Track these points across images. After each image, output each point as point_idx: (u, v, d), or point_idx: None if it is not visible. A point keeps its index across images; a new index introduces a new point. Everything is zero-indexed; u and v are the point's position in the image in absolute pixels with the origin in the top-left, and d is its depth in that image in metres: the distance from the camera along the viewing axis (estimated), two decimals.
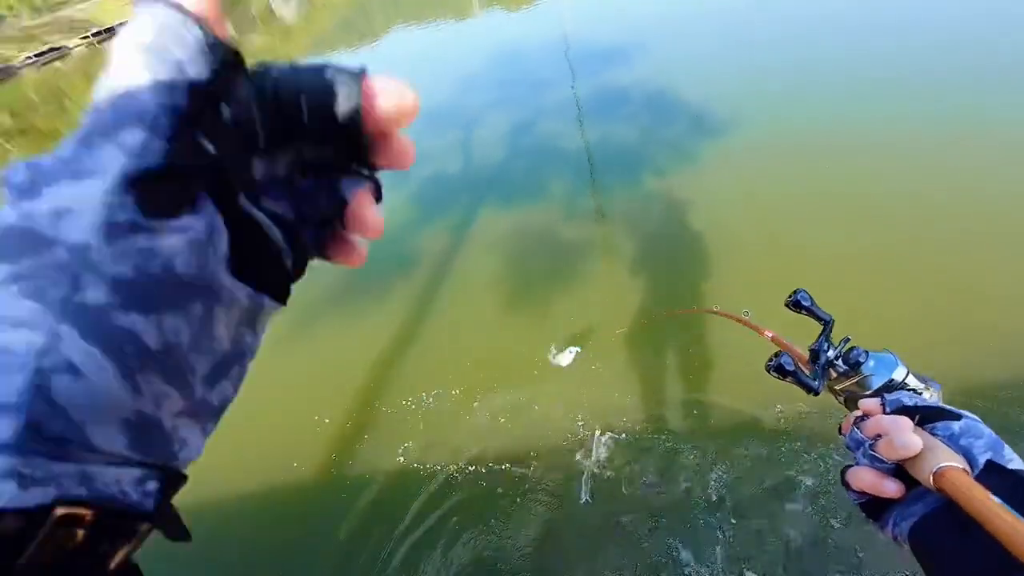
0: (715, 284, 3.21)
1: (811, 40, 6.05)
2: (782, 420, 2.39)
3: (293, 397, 3.27)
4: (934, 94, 4.38)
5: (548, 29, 9.08)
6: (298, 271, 0.26)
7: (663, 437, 2.48)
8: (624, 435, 2.51)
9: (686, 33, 7.33)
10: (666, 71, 6.12)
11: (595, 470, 2.40)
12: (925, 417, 0.46)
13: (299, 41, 16.29)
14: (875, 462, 0.46)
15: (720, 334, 2.82)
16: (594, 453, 2.43)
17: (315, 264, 0.29)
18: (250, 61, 0.22)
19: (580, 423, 2.62)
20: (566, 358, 2.79)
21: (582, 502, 2.31)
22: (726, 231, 3.55)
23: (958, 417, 0.46)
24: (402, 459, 2.70)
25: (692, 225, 3.71)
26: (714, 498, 2.20)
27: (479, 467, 2.55)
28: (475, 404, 2.86)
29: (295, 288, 0.27)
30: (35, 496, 0.17)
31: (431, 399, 2.96)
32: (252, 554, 2.53)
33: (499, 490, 2.44)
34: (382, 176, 0.28)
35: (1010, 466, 0.42)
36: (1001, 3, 5.47)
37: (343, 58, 11.65)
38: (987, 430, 0.44)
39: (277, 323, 0.26)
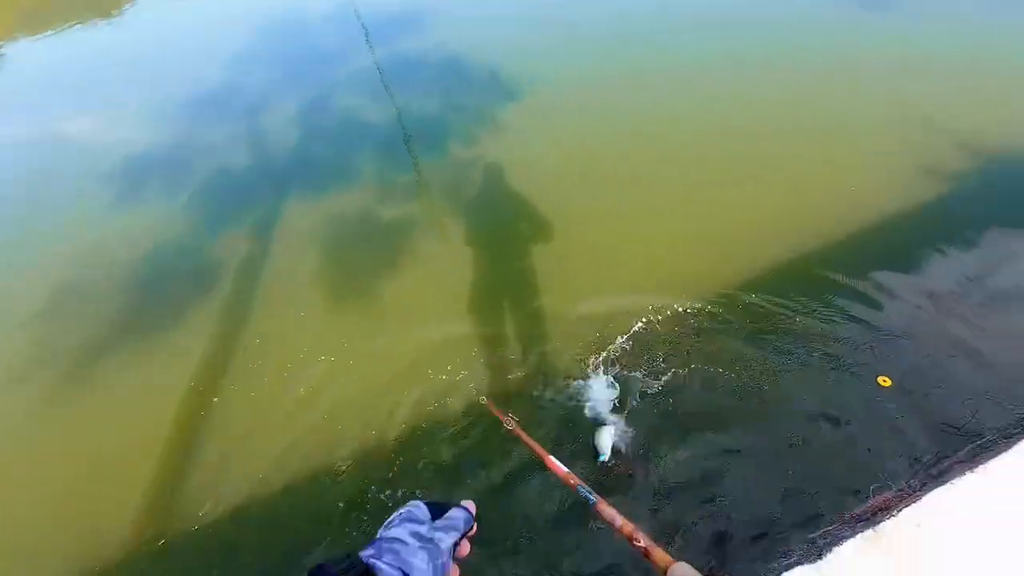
0: (541, 240, 3.39)
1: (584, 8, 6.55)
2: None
3: (85, 447, 2.67)
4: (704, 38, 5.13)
5: None
6: None
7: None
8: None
9: None
10: (459, 34, 6.09)
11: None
12: None
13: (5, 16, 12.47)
14: None
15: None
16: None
17: None
18: None
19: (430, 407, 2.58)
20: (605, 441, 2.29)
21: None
22: (541, 184, 3.76)
23: None
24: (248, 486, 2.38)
25: (511, 185, 3.84)
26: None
27: (323, 464, 2.37)
28: (314, 411, 2.63)
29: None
30: None
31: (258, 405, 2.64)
32: None
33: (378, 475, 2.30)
34: None
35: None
36: None
37: (57, 39, 9.18)
38: None
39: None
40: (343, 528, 2.20)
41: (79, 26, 8.90)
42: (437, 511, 0.76)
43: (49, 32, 8.83)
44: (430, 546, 0.67)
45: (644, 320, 2.77)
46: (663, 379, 2.52)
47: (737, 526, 2.03)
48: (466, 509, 0.82)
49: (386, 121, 4.83)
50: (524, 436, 1.63)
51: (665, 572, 0.76)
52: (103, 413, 2.90)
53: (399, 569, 0.60)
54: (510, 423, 1.73)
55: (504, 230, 3.56)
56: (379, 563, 0.59)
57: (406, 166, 4.30)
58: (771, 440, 2.28)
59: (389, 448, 2.45)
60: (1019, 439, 1.84)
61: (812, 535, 1.90)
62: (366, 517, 2.20)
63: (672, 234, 3.30)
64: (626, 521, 0.97)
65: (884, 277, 2.88)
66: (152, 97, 6.13)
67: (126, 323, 3.34)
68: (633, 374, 2.55)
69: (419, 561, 0.63)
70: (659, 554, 0.81)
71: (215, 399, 2.81)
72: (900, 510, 1.70)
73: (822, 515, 1.96)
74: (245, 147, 4.86)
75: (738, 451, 2.26)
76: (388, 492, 2.27)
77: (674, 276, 3.00)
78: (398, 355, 2.82)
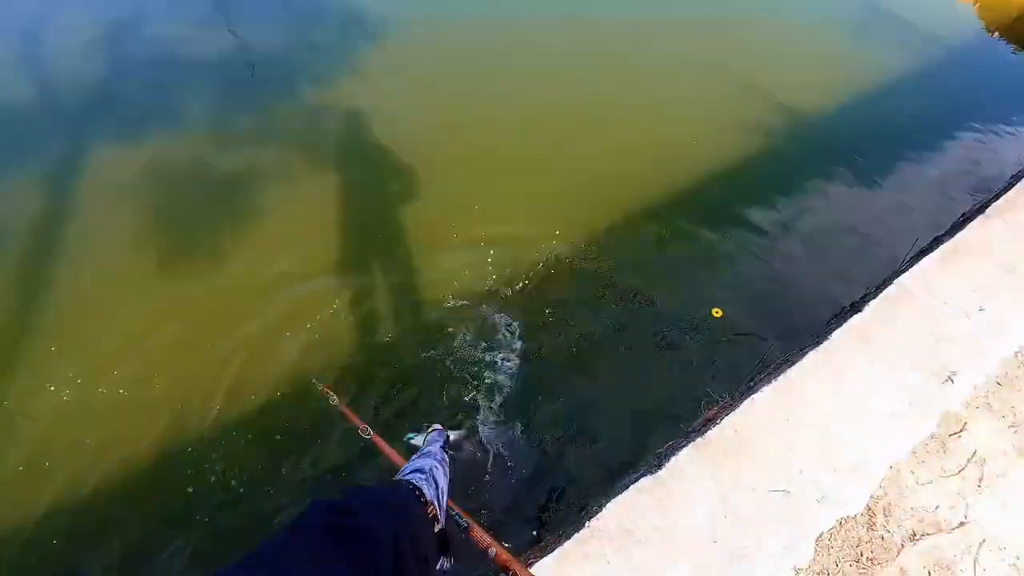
0: (399, 191, 3.21)
1: None
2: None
3: None
4: None
5: None
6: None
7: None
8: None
9: None
10: None
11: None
12: None
13: None
14: None
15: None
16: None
17: None
18: None
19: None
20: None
21: None
22: (399, 129, 3.54)
23: None
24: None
25: (369, 131, 3.55)
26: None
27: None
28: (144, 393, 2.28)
29: None
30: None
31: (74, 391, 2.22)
32: None
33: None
34: None
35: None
36: None
37: None
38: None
39: None
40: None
41: None
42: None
43: None
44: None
45: (498, 271, 2.81)
46: (515, 327, 2.59)
47: (595, 453, 2.21)
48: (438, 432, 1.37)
49: (222, 55, 4.14)
50: (384, 446, 1.50)
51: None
52: None
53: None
54: (367, 432, 1.54)
55: (361, 180, 3.31)
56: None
57: (248, 108, 3.76)
58: (619, 374, 2.49)
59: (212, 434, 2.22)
60: (808, 351, 2.21)
61: (658, 450, 2.13)
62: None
63: (526, 185, 3.34)
64: (502, 550, 0.95)
65: (717, 223, 3.23)
66: None
67: None
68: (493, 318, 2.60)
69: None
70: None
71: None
72: (721, 419, 1.96)
73: (665, 432, 2.21)
74: (27, 76, 3.86)
75: (593, 387, 2.43)
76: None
77: (529, 224, 3.06)
78: (232, 329, 2.51)
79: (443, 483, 0.85)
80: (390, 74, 4.04)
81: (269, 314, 2.55)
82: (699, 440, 1.94)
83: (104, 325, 2.51)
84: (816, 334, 2.41)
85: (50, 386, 2.29)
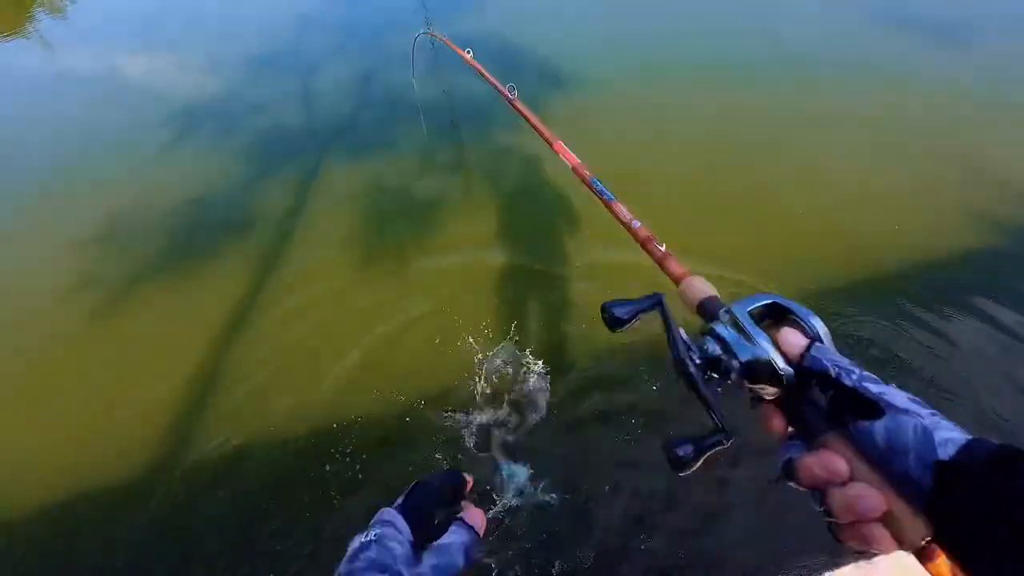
0: (570, 235, 3.40)
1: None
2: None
3: (120, 380, 2.79)
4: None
5: None
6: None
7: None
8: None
9: None
10: (518, 22, 6.11)
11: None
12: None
13: None
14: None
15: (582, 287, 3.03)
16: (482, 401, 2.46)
17: None
18: None
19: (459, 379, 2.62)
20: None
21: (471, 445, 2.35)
22: (567, 181, 3.75)
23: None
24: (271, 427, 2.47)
25: (548, 177, 3.84)
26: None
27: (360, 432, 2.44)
28: (342, 371, 2.70)
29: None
30: None
31: (288, 361, 2.72)
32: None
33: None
34: None
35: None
36: None
37: None
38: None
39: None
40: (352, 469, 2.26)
41: None
42: (420, 523, 0.59)
43: None
44: None
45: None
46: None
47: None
48: (466, 525, 0.61)
49: (436, 100, 4.87)
50: (529, 113, 1.27)
51: (678, 283, 0.66)
52: (136, 343, 3.01)
53: None
54: (513, 92, 1.40)
55: (533, 220, 3.56)
56: None
57: (449, 146, 4.34)
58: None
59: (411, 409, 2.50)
60: None
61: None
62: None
63: (697, 244, 3.24)
64: (644, 225, 0.83)
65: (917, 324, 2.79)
66: (213, 50, 6.31)
67: (165, 262, 3.46)
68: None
69: None
70: (674, 264, 0.72)
71: (242, 338, 2.91)
72: None
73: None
74: (295, 107, 4.97)
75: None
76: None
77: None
78: (420, 327, 2.86)
79: None
80: (583, 124, 4.33)
81: (433, 297, 2.93)
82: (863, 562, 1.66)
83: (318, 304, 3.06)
84: None
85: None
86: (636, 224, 0.84)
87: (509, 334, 2.77)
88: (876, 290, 2.93)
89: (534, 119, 1.25)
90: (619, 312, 0.58)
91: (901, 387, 0.43)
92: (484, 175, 3.99)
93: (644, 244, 0.81)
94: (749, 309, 0.51)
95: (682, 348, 0.51)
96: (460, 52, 2.11)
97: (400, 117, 4.67)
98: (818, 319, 0.49)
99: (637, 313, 0.57)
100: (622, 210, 0.88)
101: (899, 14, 5.64)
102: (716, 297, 0.61)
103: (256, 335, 2.94)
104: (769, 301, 0.52)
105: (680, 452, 0.47)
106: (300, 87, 5.29)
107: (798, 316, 0.50)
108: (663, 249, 0.77)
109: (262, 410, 2.58)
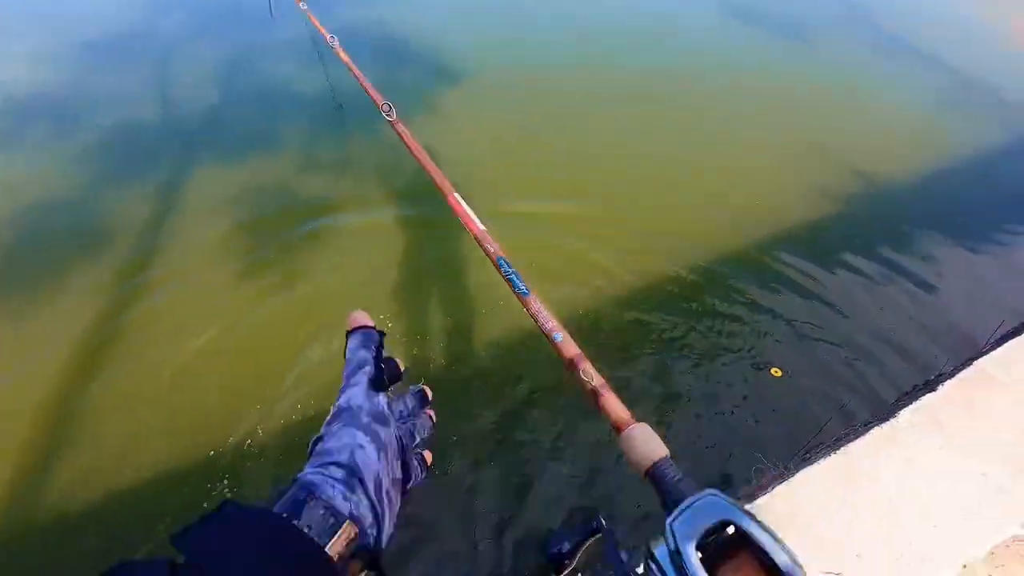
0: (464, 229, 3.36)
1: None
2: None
3: None
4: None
5: None
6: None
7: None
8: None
9: None
10: (403, 15, 5.91)
11: None
12: None
13: None
14: None
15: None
16: None
17: None
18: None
19: None
20: None
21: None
22: (469, 170, 3.73)
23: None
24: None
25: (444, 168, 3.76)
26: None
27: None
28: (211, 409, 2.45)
29: None
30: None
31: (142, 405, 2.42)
32: None
33: None
34: None
35: None
36: None
37: None
38: None
39: None
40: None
41: None
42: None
43: None
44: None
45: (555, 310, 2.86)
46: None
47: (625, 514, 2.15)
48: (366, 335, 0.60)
49: (315, 92, 4.57)
50: (406, 136, 0.91)
51: (620, 430, 0.55)
52: None
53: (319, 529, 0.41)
54: (389, 113, 1.02)
55: (429, 213, 3.49)
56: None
57: (334, 141, 4.10)
58: (671, 430, 2.43)
59: (273, 432, 2.34)
60: (874, 426, 2.08)
61: None
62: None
63: (592, 228, 3.40)
64: (567, 338, 0.63)
65: (783, 286, 3.16)
66: (48, 38, 5.41)
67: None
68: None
69: (337, 494, 0.45)
70: (614, 403, 0.57)
71: (92, 369, 2.54)
72: (774, 487, 1.87)
73: None
74: (147, 101, 4.41)
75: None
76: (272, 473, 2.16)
77: (598, 263, 3.11)
78: (294, 335, 2.68)
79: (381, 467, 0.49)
80: (464, 117, 4.31)
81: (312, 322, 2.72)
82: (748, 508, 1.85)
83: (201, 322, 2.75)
84: (882, 409, 2.28)
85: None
86: (558, 337, 0.64)
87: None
88: (747, 253, 3.27)
89: (424, 160, 0.92)
90: (558, 548, 0.49)
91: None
92: (373, 173, 3.83)
93: (571, 366, 0.65)
94: (699, 533, 0.41)
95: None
96: (325, 34, 1.95)
97: (275, 105, 4.35)
98: (788, 554, 0.39)
99: (579, 545, 0.47)
100: (540, 311, 0.67)
101: (747, 13, 6.24)
102: (667, 459, 0.52)
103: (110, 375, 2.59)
104: (727, 519, 0.43)
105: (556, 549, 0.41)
106: (151, 78, 4.70)
107: (763, 546, 0.40)
108: (596, 381, 0.61)
109: (117, 467, 2.29)
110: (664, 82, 4.93)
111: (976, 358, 2.40)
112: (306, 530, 0.41)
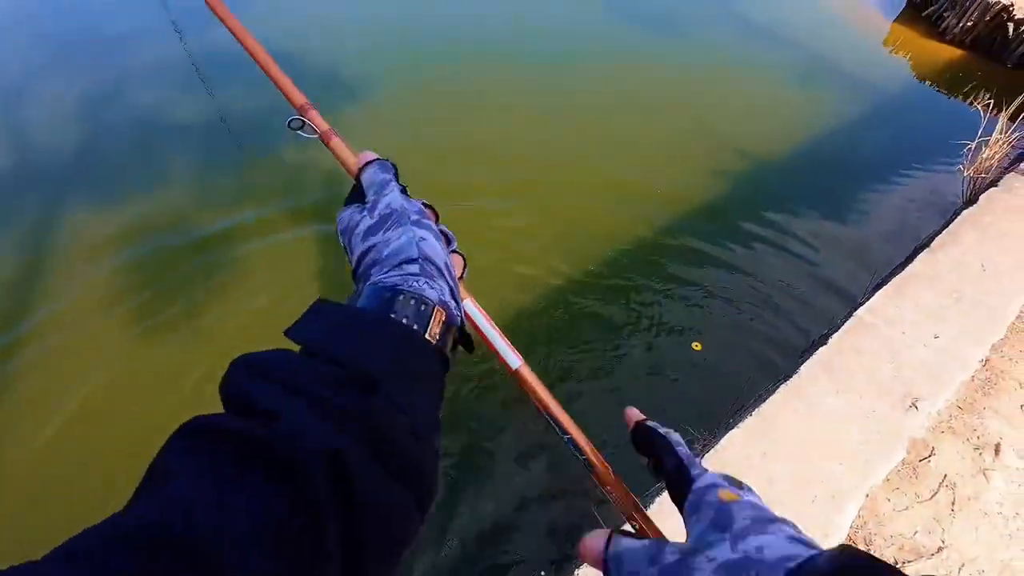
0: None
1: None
2: None
3: None
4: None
5: None
6: None
7: None
8: None
9: None
10: (288, 28, 5.64)
11: None
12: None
13: None
14: None
15: None
16: None
17: None
18: None
19: None
20: None
21: None
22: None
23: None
24: None
25: (339, 188, 3.65)
26: None
27: None
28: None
29: None
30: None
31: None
32: None
33: None
34: None
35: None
36: None
37: None
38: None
39: None
40: None
41: None
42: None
43: None
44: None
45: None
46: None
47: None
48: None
49: (196, 118, 4.25)
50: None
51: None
52: None
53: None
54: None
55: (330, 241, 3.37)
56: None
57: (227, 167, 3.84)
58: (597, 405, 2.53)
59: None
60: (780, 385, 2.29)
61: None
62: None
63: (506, 222, 3.46)
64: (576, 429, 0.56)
65: (687, 262, 3.38)
66: None
67: None
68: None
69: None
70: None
71: None
72: (703, 456, 2.00)
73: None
74: (3, 145, 3.89)
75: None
76: None
77: (517, 254, 3.16)
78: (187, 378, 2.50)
79: (445, 260, 0.49)
80: (367, 123, 4.21)
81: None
82: None
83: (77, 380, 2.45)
84: (787, 368, 2.51)
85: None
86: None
87: None
88: (653, 235, 3.46)
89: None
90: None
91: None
92: (275, 198, 3.62)
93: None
94: None
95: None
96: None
97: (152, 132, 3.99)
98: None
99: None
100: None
101: (625, 9, 6.62)
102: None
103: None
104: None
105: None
106: (3, 114, 4.15)
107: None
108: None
109: None
110: (552, 80, 5.10)
111: (855, 309, 2.71)
112: (404, 321, 0.42)
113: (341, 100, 4.47)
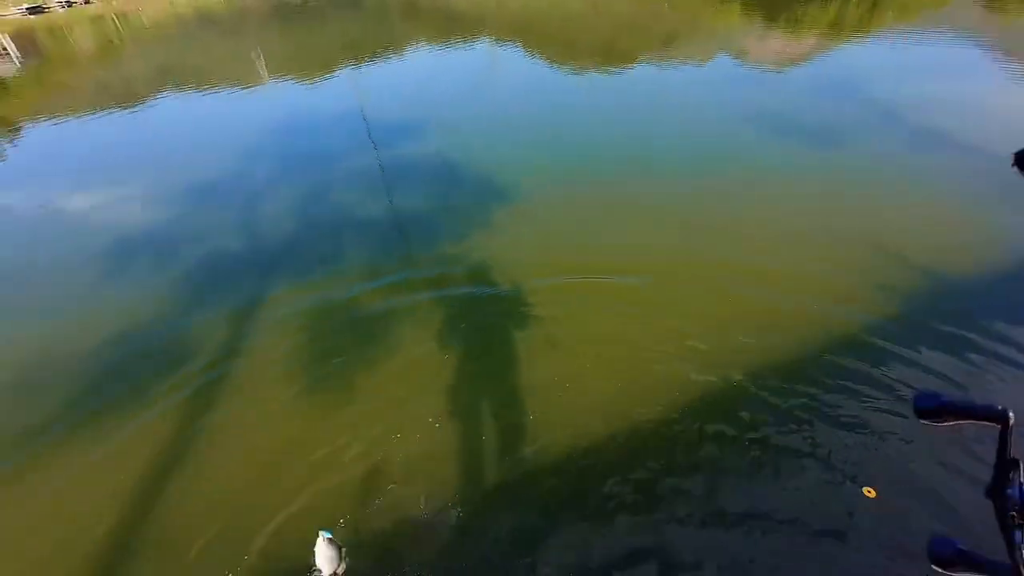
0: (522, 349, 3.43)
1: (563, 114, 7.27)
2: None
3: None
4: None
5: (340, 102, 9.13)
6: None
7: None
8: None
9: (468, 106, 8.11)
10: (453, 141, 6.64)
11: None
12: None
13: (23, 100, 13.18)
14: None
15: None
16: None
17: None
18: None
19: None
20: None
21: None
22: (526, 284, 3.89)
23: None
24: None
25: (497, 282, 3.96)
26: None
27: None
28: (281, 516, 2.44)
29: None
30: None
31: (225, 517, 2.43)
32: None
33: None
34: None
35: None
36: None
37: (77, 123, 9.88)
38: None
39: None
40: None
41: (100, 113, 9.50)
42: None
43: (70, 117, 9.38)
44: None
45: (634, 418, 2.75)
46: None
47: None
48: None
49: (380, 218, 5.06)
50: None
51: None
52: (62, 492, 2.66)
53: None
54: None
55: (487, 332, 3.59)
56: None
57: (397, 262, 4.42)
58: (748, 547, 2.17)
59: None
60: None
61: None
62: None
63: (659, 337, 3.36)
64: None
65: (861, 394, 2.93)
66: (155, 183, 6.41)
67: (92, 403, 3.18)
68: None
69: None
70: None
71: (178, 487, 2.62)
72: None
73: None
74: (237, 235, 5.01)
75: (715, 547, 2.14)
76: None
77: (671, 372, 3.03)
78: (369, 457, 2.69)
79: None
80: (516, 227, 4.61)
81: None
82: None
83: (257, 435, 2.84)
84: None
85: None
86: None
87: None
88: (821, 355, 3.08)
89: None
90: (938, 402, 0.49)
91: None
92: (434, 291, 4.06)
93: None
94: None
95: (1016, 487, 0.46)
96: None
97: (345, 239, 4.80)
98: None
99: (963, 415, 0.49)
100: None
101: (775, 119, 6.59)
102: None
103: (193, 490, 2.66)
104: None
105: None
106: (239, 215, 5.37)
107: None
108: None
109: None
110: (711, 190, 5.13)
111: None
112: None
113: (512, 197, 5.01)
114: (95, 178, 6.82)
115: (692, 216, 4.73)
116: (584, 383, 3.05)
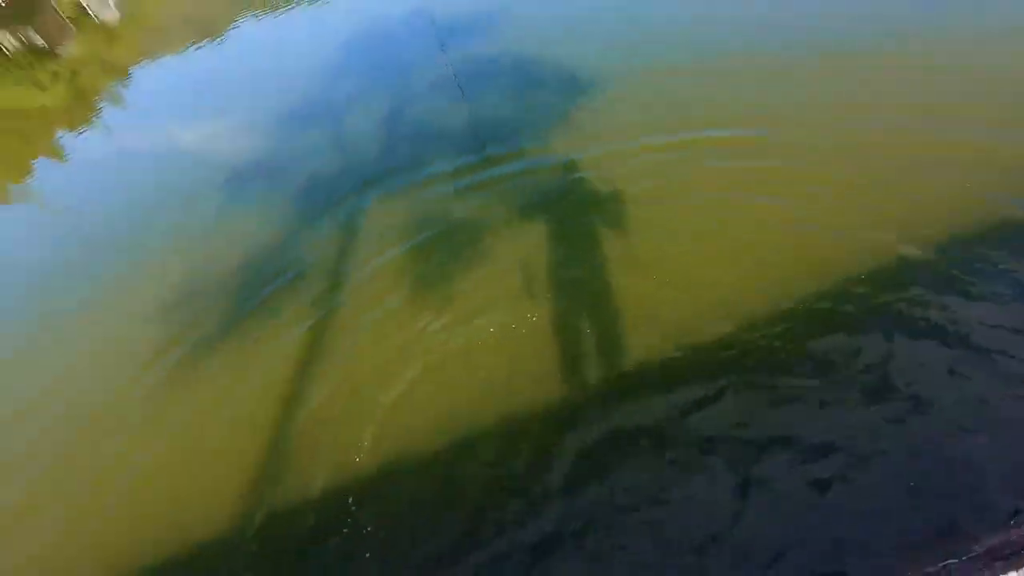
0: (601, 238, 3.32)
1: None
2: None
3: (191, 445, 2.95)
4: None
5: (407, 5, 8.68)
6: None
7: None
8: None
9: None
10: (527, 36, 6.13)
11: None
12: None
13: (127, 45, 14.12)
14: None
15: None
16: None
17: None
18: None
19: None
20: None
21: None
22: (609, 182, 3.68)
23: None
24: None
25: (581, 185, 3.80)
26: None
27: None
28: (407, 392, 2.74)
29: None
30: None
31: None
32: None
33: None
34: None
35: None
36: None
37: (174, 60, 10.35)
38: None
39: None
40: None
41: (191, 48, 9.94)
42: None
43: (167, 55, 9.94)
44: None
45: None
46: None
47: (853, 543, 1.85)
48: None
49: (461, 124, 4.94)
50: None
51: None
52: (206, 401, 3.17)
53: None
54: None
55: (572, 228, 3.51)
56: None
57: (480, 168, 4.36)
58: (897, 440, 2.07)
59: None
60: None
61: (929, 570, 1.68)
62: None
63: (740, 251, 3.08)
64: None
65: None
66: (251, 110, 6.71)
67: (227, 320, 3.63)
68: None
69: None
70: None
71: (312, 391, 3.01)
72: None
73: (949, 537, 1.73)
74: (331, 152, 5.18)
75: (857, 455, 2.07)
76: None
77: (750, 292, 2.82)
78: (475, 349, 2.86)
79: None
80: (598, 130, 4.28)
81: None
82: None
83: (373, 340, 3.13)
84: None
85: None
86: None
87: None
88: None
89: None
90: None
91: None
92: (520, 193, 3.98)
93: None
94: None
95: None
96: None
97: (430, 148, 4.78)
98: None
99: None
100: None
101: None
102: None
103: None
104: None
105: None
106: (331, 133, 5.51)
107: None
108: None
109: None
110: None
111: None
112: None
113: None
114: (201, 113, 7.29)
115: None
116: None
